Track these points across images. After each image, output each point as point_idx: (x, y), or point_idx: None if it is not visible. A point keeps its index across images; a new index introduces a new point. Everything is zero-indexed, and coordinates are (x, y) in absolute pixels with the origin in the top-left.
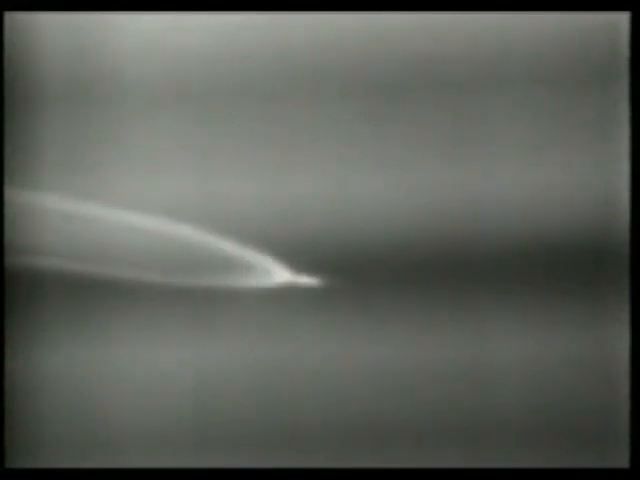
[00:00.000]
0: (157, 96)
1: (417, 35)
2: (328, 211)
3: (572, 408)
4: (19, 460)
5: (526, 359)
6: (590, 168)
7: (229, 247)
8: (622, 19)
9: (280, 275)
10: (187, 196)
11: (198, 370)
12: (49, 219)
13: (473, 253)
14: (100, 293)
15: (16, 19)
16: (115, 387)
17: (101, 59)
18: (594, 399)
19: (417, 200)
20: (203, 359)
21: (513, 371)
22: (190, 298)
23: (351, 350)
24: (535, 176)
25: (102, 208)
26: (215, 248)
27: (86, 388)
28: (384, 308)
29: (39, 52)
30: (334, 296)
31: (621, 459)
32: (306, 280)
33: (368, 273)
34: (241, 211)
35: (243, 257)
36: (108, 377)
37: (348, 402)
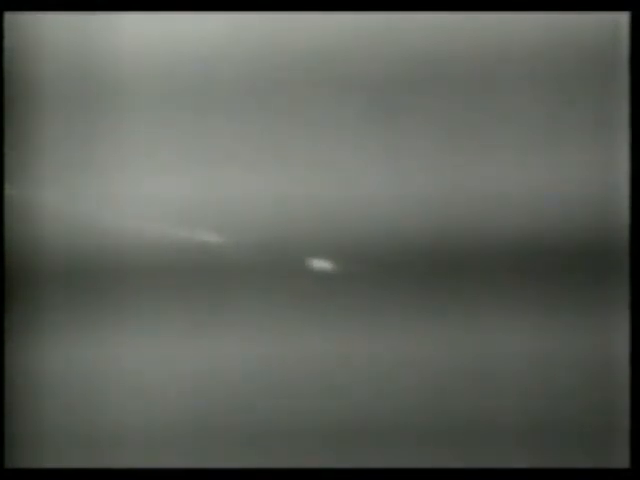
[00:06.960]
0: (158, 96)
1: (417, 35)
2: (330, 206)
3: (571, 408)
4: (19, 460)
5: (524, 358)
6: (590, 168)
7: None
8: (622, 19)
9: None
10: (188, 197)
11: (196, 367)
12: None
13: (470, 253)
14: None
15: (16, 19)
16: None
17: (102, 59)
18: (593, 399)
19: (414, 199)
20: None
21: (512, 370)
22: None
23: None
24: (534, 175)
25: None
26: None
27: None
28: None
29: (39, 52)
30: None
31: (621, 459)
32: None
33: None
34: (239, 208)
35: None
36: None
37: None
